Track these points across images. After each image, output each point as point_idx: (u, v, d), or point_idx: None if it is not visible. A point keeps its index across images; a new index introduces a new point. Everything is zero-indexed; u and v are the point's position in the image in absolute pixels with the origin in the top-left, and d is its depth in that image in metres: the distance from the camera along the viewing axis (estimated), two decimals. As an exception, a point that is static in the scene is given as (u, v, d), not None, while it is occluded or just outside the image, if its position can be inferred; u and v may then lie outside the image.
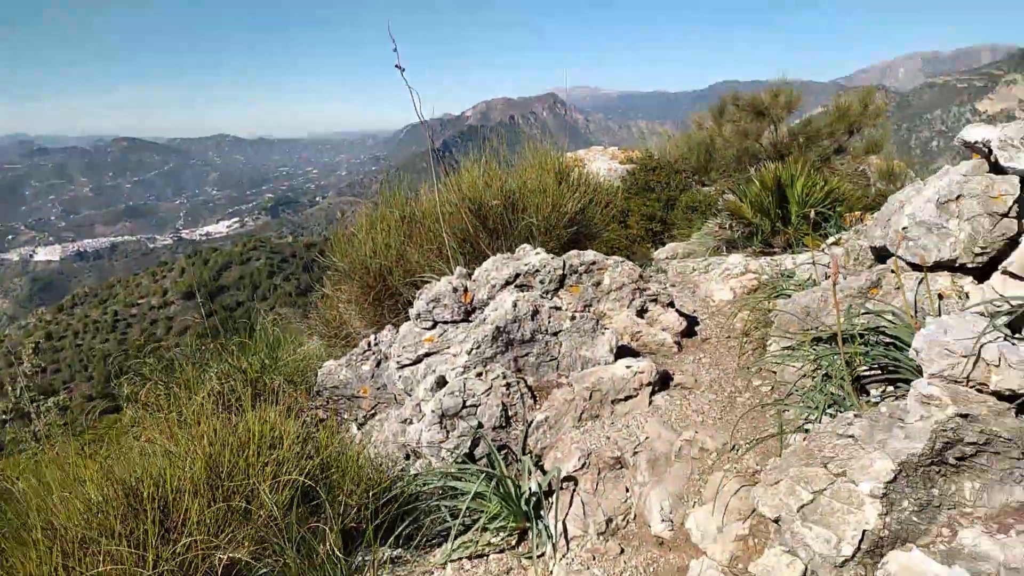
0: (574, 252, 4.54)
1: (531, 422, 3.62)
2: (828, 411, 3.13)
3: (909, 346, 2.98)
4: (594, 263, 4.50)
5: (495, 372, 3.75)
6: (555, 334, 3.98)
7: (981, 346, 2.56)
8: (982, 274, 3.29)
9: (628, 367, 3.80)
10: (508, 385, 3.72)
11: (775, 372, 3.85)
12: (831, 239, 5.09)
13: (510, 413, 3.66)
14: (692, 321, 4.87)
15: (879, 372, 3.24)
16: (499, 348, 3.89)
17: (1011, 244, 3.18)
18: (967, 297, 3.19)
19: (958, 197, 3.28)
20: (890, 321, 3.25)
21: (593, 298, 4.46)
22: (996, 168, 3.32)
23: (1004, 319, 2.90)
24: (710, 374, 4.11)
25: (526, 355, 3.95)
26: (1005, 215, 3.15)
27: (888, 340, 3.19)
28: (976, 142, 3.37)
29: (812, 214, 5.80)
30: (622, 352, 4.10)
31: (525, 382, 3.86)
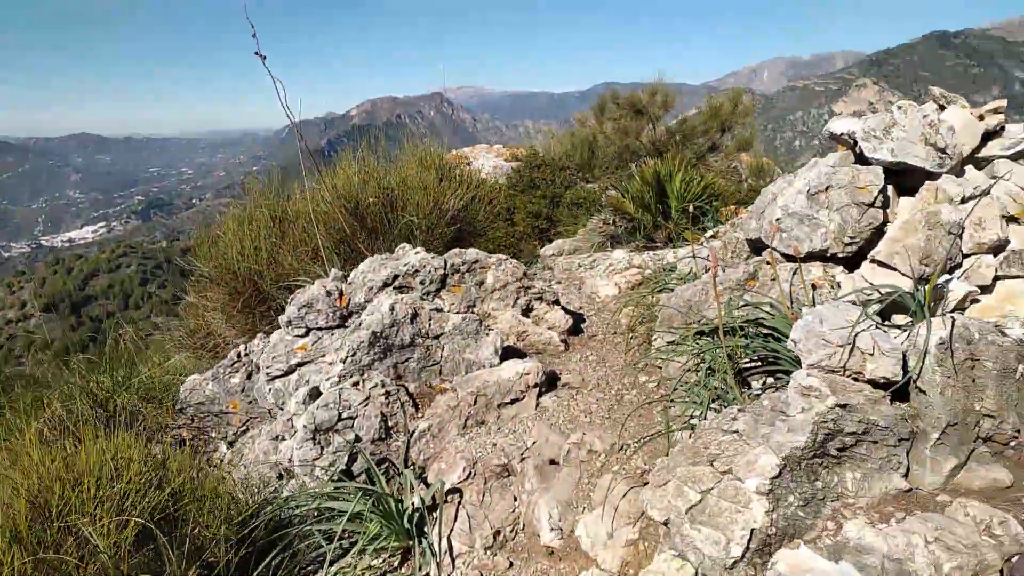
0: (455, 251, 4.36)
1: (413, 432, 3.41)
2: (713, 406, 3.11)
3: (787, 337, 2.99)
4: (476, 262, 4.34)
5: (373, 380, 3.51)
6: (437, 337, 3.79)
7: (856, 335, 2.58)
8: (852, 263, 3.37)
9: (514, 369, 3.66)
10: (388, 394, 3.50)
11: (661, 368, 3.82)
12: (709, 232, 5.17)
13: (390, 423, 3.44)
14: (578, 318, 4.80)
15: (760, 364, 3.26)
16: (377, 354, 3.65)
17: (878, 233, 3.27)
18: (839, 286, 3.26)
19: (827, 188, 3.34)
20: (768, 313, 3.27)
21: (476, 298, 4.29)
22: (861, 159, 3.41)
23: (875, 307, 2.96)
24: (597, 372, 4.04)
25: (406, 361, 3.74)
26: (871, 205, 3.24)
27: (767, 331, 3.20)
28: (842, 134, 3.45)
29: (691, 208, 5.88)
30: (508, 353, 3.96)
31: (406, 389, 3.64)
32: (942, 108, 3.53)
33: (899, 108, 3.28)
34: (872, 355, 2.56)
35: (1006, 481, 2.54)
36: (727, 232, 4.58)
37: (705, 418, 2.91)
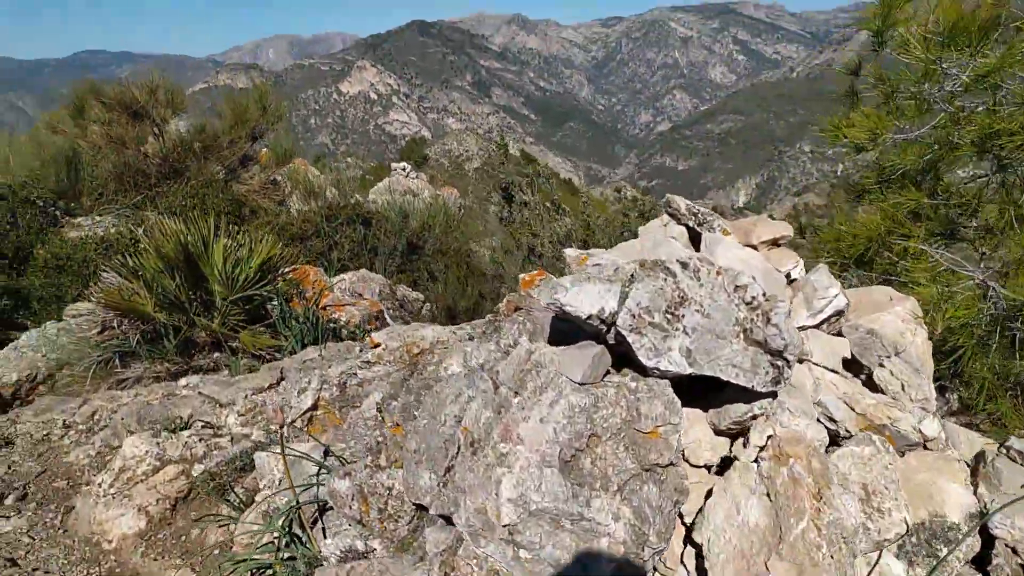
0: None
1: None
2: None
3: None
4: None
5: None
6: None
7: None
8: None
9: None
10: None
11: None
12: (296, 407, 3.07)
13: None
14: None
15: None
16: None
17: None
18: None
19: (588, 438, 1.65)
20: None
21: None
22: (626, 356, 1.81)
23: None
24: None
25: None
26: (670, 464, 1.65)
27: None
28: (589, 318, 1.78)
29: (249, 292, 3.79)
30: None
31: None
32: (691, 230, 2.13)
33: (684, 267, 1.75)
34: None
35: None
36: (358, 471, 2.50)
37: None
